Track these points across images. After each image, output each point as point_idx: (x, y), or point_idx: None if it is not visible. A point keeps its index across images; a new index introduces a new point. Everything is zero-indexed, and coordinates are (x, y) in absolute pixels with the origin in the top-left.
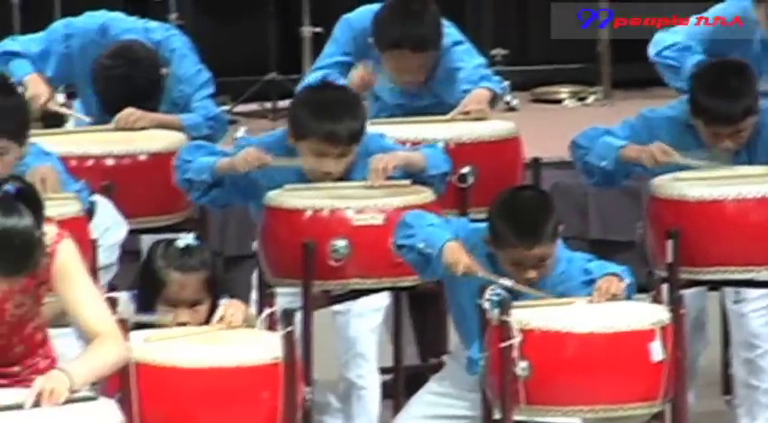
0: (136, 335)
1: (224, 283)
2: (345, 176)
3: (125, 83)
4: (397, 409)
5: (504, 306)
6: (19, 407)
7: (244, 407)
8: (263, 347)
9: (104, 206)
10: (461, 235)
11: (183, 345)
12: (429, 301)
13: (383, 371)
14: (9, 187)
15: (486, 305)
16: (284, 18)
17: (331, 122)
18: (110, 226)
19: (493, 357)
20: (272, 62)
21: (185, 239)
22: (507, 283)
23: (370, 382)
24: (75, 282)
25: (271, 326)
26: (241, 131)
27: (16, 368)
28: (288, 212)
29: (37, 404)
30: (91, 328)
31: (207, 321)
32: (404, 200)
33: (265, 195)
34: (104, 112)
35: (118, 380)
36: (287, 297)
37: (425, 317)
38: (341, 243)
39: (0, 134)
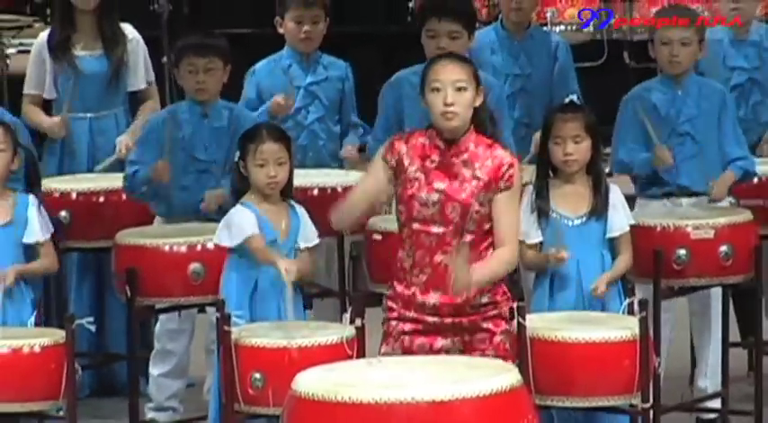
0: (536, 318)
1: None
2: None
3: None
4: None
5: None
6: None
7: (610, 372)
8: (624, 327)
9: None
10: None
11: (564, 324)
12: (747, 294)
13: None
14: None
15: None
16: None
17: None
18: None
19: None
20: None
21: None
22: None
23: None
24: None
25: (630, 311)
26: None
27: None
28: (642, 228)
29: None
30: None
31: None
32: (729, 219)
33: None
34: None
35: (517, 350)
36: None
37: (744, 304)
38: (681, 252)
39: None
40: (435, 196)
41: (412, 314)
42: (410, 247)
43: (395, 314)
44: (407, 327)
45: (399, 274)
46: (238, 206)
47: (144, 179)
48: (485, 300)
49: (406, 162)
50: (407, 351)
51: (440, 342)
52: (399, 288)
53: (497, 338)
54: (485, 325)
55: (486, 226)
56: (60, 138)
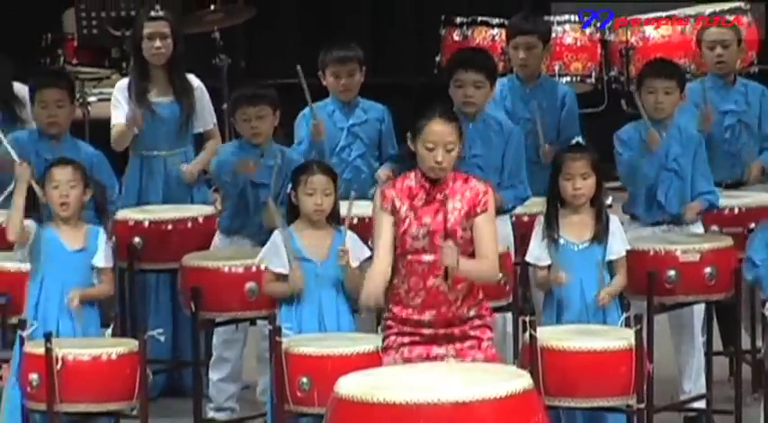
0: (545, 330)
1: None
2: None
3: None
4: None
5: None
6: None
7: (610, 377)
8: (622, 338)
9: None
10: None
11: (570, 335)
12: (728, 309)
13: None
14: None
15: None
16: None
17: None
18: None
19: None
20: None
21: None
22: None
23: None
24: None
25: (627, 324)
26: None
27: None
28: (637, 252)
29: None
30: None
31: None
32: (713, 244)
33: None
34: None
35: (529, 358)
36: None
37: (726, 318)
38: (671, 273)
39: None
40: (424, 229)
41: (409, 329)
42: (404, 274)
43: (394, 330)
44: (406, 339)
45: (395, 299)
46: (273, 237)
47: (230, 168)
48: (472, 313)
49: (398, 204)
50: (407, 360)
51: (435, 350)
52: (396, 310)
53: (484, 344)
54: (473, 333)
55: (470, 249)
56: (137, 127)
